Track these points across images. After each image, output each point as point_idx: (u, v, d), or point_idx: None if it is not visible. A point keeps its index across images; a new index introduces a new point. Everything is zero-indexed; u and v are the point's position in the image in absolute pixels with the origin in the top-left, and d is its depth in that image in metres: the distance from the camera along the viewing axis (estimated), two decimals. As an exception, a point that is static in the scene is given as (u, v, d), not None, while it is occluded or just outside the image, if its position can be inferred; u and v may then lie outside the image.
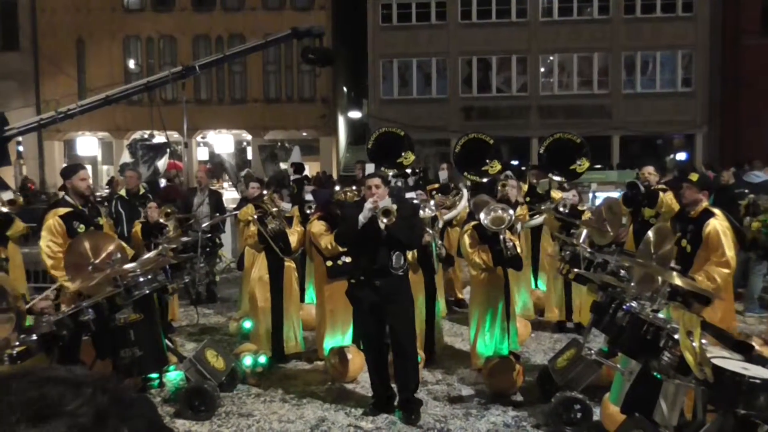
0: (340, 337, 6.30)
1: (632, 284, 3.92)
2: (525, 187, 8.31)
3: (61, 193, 6.65)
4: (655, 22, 23.34)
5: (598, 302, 3.63)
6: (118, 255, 4.21)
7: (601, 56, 24.11)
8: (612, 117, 23.80)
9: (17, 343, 3.44)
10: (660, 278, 3.74)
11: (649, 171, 7.52)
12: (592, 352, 3.63)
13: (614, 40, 23.73)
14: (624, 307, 3.38)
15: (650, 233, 3.97)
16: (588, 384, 4.75)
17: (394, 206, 4.72)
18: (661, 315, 3.60)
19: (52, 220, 5.12)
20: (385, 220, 4.56)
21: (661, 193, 6.99)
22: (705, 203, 5.29)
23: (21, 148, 23.78)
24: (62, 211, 5.16)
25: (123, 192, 8.53)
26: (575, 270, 4.78)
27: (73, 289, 4.07)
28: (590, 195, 13.40)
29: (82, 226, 5.08)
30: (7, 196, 7.45)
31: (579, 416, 4.58)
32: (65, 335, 3.51)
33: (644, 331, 3.26)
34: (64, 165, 26.11)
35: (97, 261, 4.49)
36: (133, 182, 8.66)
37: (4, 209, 5.72)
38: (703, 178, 5.48)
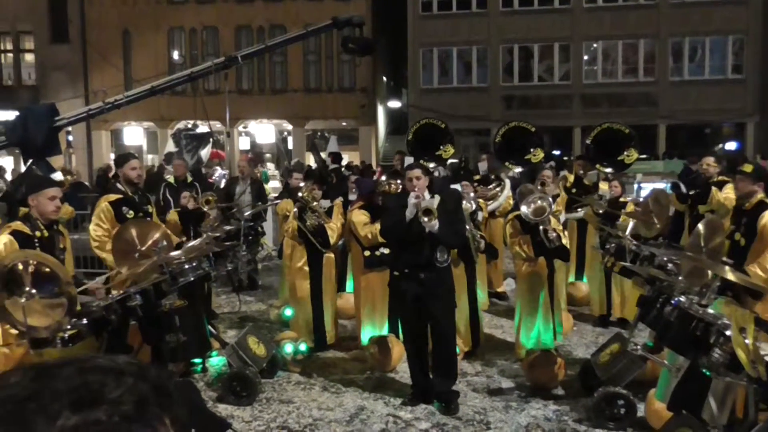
0: (377, 326, 6.32)
1: (680, 278, 3.81)
2: (571, 178, 8.15)
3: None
4: (704, 7, 22.54)
5: (646, 296, 3.53)
6: (164, 242, 4.30)
7: (648, 43, 23.44)
8: (658, 105, 23.15)
9: (69, 327, 3.55)
10: (710, 272, 3.62)
11: (709, 162, 7.25)
12: (638, 347, 3.54)
13: (661, 25, 23.03)
14: (672, 301, 3.28)
15: (700, 226, 3.84)
16: (632, 379, 4.66)
17: (436, 202, 4.68)
18: (710, 310, 3.49)
19: (103, 205, 5.33)
20: (426, 219, 4.54)
21: (713, 189, 6.74)
22: (760, 195, 5.08)
23: (71, 138, 24.50)
24: (113, 197, 5.36)
25: (171, 179, 8.71)
26: (621, 263, 4.67)
27: (123, 276, 4.18)
28: (635, 186, 13.07)
29: (131, 212, 5.26)
30: (57, 176, 7.68)
31: (622, 412, 4.49)
32: (114, 320, 3.61)
33: (693, 326, 3.17)
34: (114, 154, 26.90)
35: (144, 248, 4.59)
36: (181, 171, 8.83)
37: None
38: (758, 169, 5.26)
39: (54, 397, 0.65)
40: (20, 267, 3.48)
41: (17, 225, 4.09)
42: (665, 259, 4.19)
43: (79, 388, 0.66)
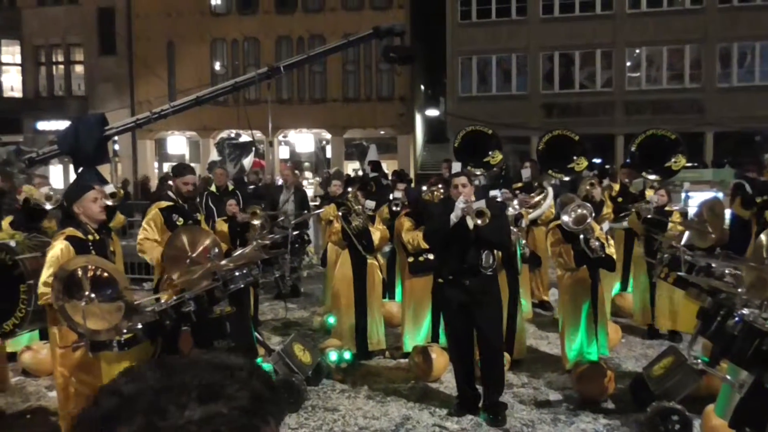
0: (421, 333, 6.30)
1: (742, 290, 3.68)
2: (616, 187, 7.99)
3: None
4: (754, 11, 21.91)
5: (705, 309, 3.42)
6: (216, 250, 4.37)
7: (694, 48, 22.90)
8: (705, 112, 22.55)
9: (125, 331, 3.63)
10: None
11: None
12: (699, 361, 3.43)
13: (708, 30, 22.47)
14: (735, 315, 3.17)
15: (763, 236, 3.71)
16: (686, 394, 4.52)
17: (483, 205, 4.66)
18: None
19: (154, 212, 5.45)
20: (479, 222, 4.50)
21: None
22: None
23: (117, 147, 25.18)
24: (163, 204, 5.50)
25: (213, 188, 8.86)
26: (676, 273, 4.54)
27: (176, 282, 4.26)
28: (682, 195, 12.74)
29: (181, 219, 5.36)
30: (110, 189, 7.90)
31: (677, 428, 4.35)
32: (168, 325, 3.68)
33: (759, 342, 3.05)
34: (157, 162, 27.53)
35: (194, 254, 4.67)
36: (222, 179, 8.99)
37: (109, 202, 6.16)
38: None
39: (182, 390, 0.72)
40: (80, 272, 3.58)
41: (70, 231, 4.20)
42: (724, 270, 4.06)
43: (203, 382, 0.73)
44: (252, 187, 11.26)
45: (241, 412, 0.71)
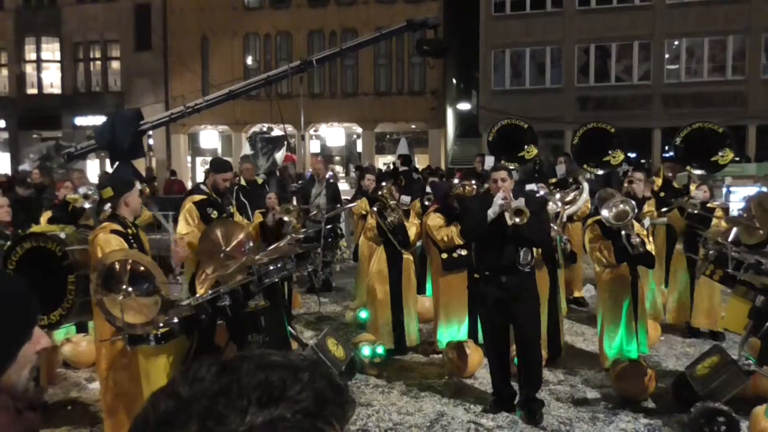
0: (455, 329, 6.23)
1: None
2: (658, 181, 7.77)
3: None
4: (799, 0, 21.15)
5: (758, 308, 3.28)
6: (250, 243, 4.36)
7: (737, 39, 22.20)
8: (747, 105, 21.88)
9: (162, 325, 3.64)
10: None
11: None
12: (750, 361, 3.29)
13: (752, 20, 21.76)
14: (789, 314, 3.03)
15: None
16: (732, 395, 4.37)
17: (522, 202, 4.56)
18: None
19: (188, 206, 5.48)
20: (517, 220, 4.42)
21: None
22: None
23: (151, 141, 25.60)
24: (197, 198, 5.52)
25: (243, 182, 8.90)
26: (723, 270, 4.37)
27: (212, 276, 4.27)
28: (724, 190, 12.38)
29: (215, 212, 5.38)
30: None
31: (723, 429, 4.20)
32: (204, 319, 3.68)
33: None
34: (190, 156, 27.87)
35: (228, 248, 4.68)
36: (249, 173, 9.04)
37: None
38: None
39: (241, 393, 0.67)
40: (118, 266, 3.61)
41: (112, 225, 4.22)
42: (774, 267, 3.90)
43: (262, 384, 0.67)
44: (294, 185, 11.24)
45: (305, 415, 0.66)
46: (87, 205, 7.23)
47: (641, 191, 6.80)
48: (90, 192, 7.41)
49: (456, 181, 6.39)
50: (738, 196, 12.45)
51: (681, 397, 4.87)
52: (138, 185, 4.70)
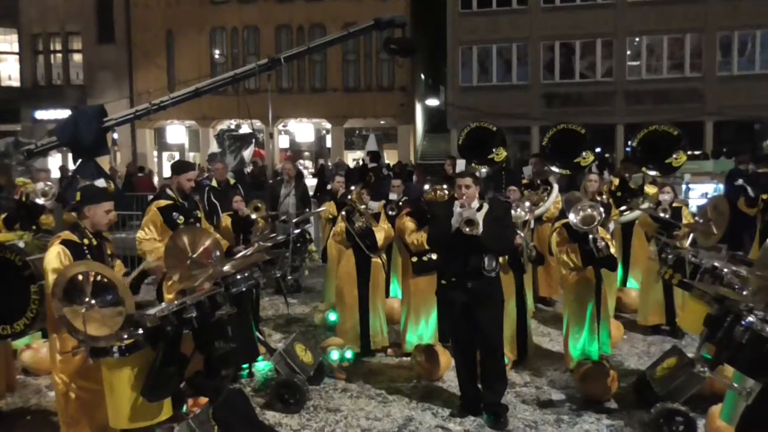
0: (423, 332, 6.28)
1: (747, 294, 3.64)
2: (616, 181, 7.95)
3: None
4: (754, 0, 21.78)
5: (713, 315, 3.39)
6: (218, 252, 4.32)
7: (695, 37, 22.79)
8: (705, 101, 22.50)
9: (126, 337, 3.59)
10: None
11: None
12: (706, 370, 3.41)
13: (708, 19, 22.36)
14: (743, 322, 3.14)
15: (771, 241, 3.67)
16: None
17: (483, 211, 4.63)
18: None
19: (153, 212, 5.38)
20: (467, 230, 4.48)
21: None
22: None
23: (116, 136, 25.07)
24: (162, 203, 5.41)
25: (214, 183, 8.79)
26: (680, 278, 4.50)
27: (179, 287, 4.22)
28: (683, 187, 12.70)
29: (181, 217, 5.30)
30: (101, 183, 7.84)
31: (681, 429, 4.34)
32: (169, 330, 3.64)
33: (766, 349, 3.03)
34: (156, 152, 27.37)
35: (195, 255, 4.61)
36: (221, 174, 8.92)
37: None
38: None
39: None
40: (80, 277, 3.54)
41: (67, 234, 4.16)
42: (730, 273, 4.02)
43: None
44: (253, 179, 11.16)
45: None
46: (42, 202, 7.02)
47: (593, 192, 6.87)
48: (47, 188, 7.20)
49: (426, 186, 6.42)
50: (697, 193, 12.80)
51: (642, 397, 5.01)
52: (100, 182, 4.57)
